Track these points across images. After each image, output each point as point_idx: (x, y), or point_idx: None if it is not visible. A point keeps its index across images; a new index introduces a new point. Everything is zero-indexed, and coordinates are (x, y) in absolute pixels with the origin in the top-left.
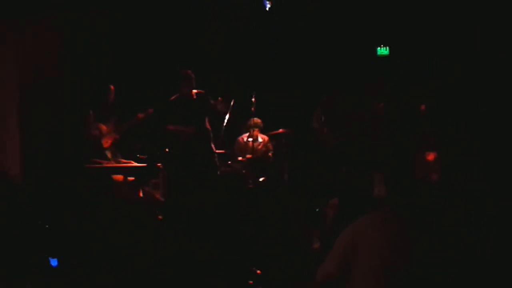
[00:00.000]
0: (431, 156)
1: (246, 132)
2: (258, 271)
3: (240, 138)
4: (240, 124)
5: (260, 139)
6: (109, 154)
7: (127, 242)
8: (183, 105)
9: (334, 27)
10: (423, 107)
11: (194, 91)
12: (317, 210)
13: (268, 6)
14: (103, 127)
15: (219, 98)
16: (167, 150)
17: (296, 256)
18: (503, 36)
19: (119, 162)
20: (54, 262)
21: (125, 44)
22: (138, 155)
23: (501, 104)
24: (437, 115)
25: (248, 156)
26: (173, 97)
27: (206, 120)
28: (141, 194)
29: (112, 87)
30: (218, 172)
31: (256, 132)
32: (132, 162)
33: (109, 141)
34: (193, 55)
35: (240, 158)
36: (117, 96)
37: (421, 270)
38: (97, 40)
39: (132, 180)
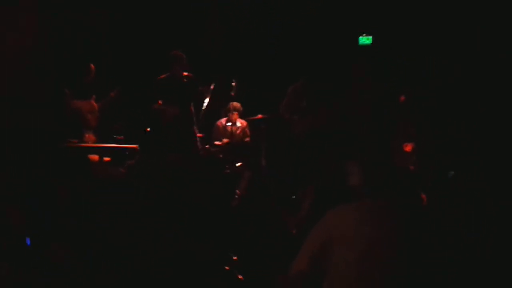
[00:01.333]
0: (409, 147)
1: (225, 117)
2: (235, 257)
3: (218, 122)
4: (219, 109)
5: (238, 124)
6: (92, 133)
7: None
8: (171, 85)
9: (318, 11)
10: (402, 97)
11: (185, 73)
12: (293, 197)
13: None
14: (94, 104)
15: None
16: (148, 129)
17: (272, 241)
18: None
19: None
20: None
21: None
22: (114, 136)
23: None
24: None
25: (225, 140)
26: (162, 76)
27: (192, 104)
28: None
29: (92, 66)
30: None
31: (235, 115)
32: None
33: (95, 120)
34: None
35: (217, 142)
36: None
37: (404, 264)
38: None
39: (108, 161)
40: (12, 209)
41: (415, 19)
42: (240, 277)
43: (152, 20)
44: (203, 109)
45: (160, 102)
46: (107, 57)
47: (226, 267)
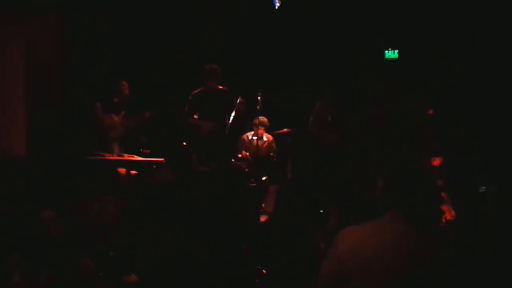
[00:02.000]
0: (436, 161)
1: (250, 131)
2: (264, 271)
3: (244, 136)
4: (245, 122)
5: (265, 138)
6: (116, 146)
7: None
8: (206, 100)
9: (340, 28)
10: (431, 111)
11: (219, 87)
12: (321, 211)
13: (278, 4)
14: (115, 118)
15: (240, 99)
16: (184, 143)
17: (300, 256)
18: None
19: (122, 156)
20: None
21: (127, 42)
22: (141, 150)
23: (500, 104)
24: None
25: (245, 153)
26: (196, 91)
27: (227, 117)
28: None
29: (125, 82)
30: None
31: (261, 130)
32: (135, 156)
33: (118, 133)
34: (194, 55)
35: (241, 155)
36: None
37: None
38: (97, 40)
39: (135, 174)
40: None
41: (441, 33)
42: None
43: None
44: (229, 122)
45: (196, 116)
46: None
47: (257, 280)
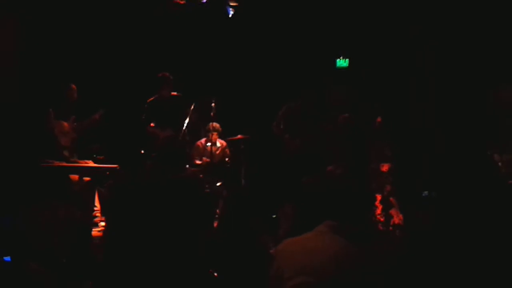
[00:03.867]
0: (385, 167)
1: (205, 137)
2: (215, 274)
3: (198, 142)
4: (199, 129)
5: (218, 144)
6: (66, 153)
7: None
8: (161, 107)
9: (295, 35)
10: (379, 119)
11: (172, 93)
12: (273, 216)
13: (231, 13)
14: (65, 125)
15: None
16: (142, 151)
17: (250, 260)
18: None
19: (76, 162)
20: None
21: (85, 43)
22: (95, 155)
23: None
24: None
25: (206, 159)
26: (150, 99)
27: (183, 123)
28: (97, 196)
29: (74, 86)
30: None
31: (214, 136)
32: (90, 162)
33: (69, 140)
34: (154, 58)
35: (198, 162)
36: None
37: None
38: (56, 39)
39: (88, 181)
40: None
41: (392, 42)
42: None
43: (136, 40)
44: (183, 129)
45: (152, 124)
46: (89, 77)
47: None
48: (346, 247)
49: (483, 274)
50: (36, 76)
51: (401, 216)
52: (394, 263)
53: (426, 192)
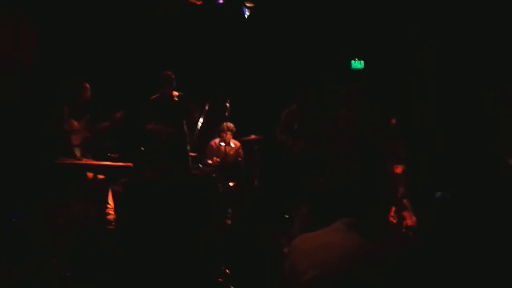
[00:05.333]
0: (399, 169)
1: (219, 137)
2: (227, 271)
3: (212, 142)
4: (213, 129)
5: (232, 145)
6: (78, 152)
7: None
8: (163, 106)
9: (309, 36)
10: (394, 120)
11: (175, 92)
12: (286, 216)
13: (247, 13)
14: (75, 124)
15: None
16: (142, 149)
17: (264, 259)
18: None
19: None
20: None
21: (100, 43)
22: (109, 154)
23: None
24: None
25: (216, 159)
26: (153, 97)
27: (184, 122)
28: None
29: (87, 85)
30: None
31: (229, 136)
32: (96, 161)
33: (80, 139)
34: (167, 57)
35: (209, 162)
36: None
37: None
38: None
39: (102, 179)
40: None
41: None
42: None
43: (145, 40)
44: (197, 129)
45: (153, 123)
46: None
47: (220, 279)
48: (361, 244)
49: (489, 274)
50: (49, 75)
51: (414, 218)
52: (407, 263)
53: (439, 193)
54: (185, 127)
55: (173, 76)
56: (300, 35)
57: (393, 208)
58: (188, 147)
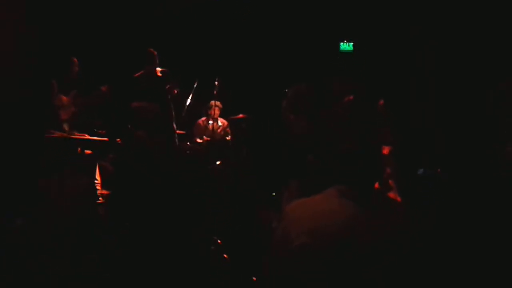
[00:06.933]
0: (386, 150)
1: (206, 116)
2: (219, 241)
3: (200, 121)
4: (201, 107)
5: (220, 123)
6: (66, 127)
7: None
8: (148, 82)
9: (306, 33)
10: (381, 102)
11: (158, 69)
12: (273, 194)
13: None
14: (64, 98)
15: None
16: (129, 126)
17: (254, 231)
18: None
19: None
20: None
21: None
22: (96, 130)
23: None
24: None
25: (206, 138)
26: (137, 74)
27: (169, 98)
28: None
29: (75, 59)
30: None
31: (216, 111)
32: (86, 135)
33: (68, 114)
34: (157, 36)
35: (198, 140)
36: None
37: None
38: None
39: (90, 153)
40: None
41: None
42: (225, 256)
43: (135, 22)
44: (185, 107)
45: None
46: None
47: (212, 247)
48: (354, 211)
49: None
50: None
51: (399, 199)
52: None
53: (421, 170)
54: (170, 103)
55: (156, 53)
56: (294, 29)
57: (377, 184)
58: (175, 125)
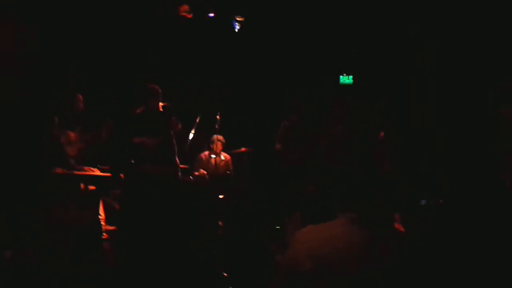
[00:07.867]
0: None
1: (208, 150)
2: (225, 274)
3: (202, 155)
4: (203, 141)
5: (222, 157)
6: (73, 162)
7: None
8: (150, 118)
9: (299, 51)
10: (382, 134)
11: (161, 103)
12: (277, 227)
13: (237, 27)
14: (72, 135)
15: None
16: (132, 161)
17: (260, 264)
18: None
19: (82, 170)
20: None
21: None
22: (99, 165)
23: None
24: None
25: (202, 171)
26: (139, 110)
27: (171, 133)
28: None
29: (80, 96)
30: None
31: (219, 146)
32: (96, 170)
33: (75, 150)
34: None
35: (196, 173)
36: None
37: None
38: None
39: (93, 189)
40: None
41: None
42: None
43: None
44: (188, 142)
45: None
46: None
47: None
48: (362, 237)
49: (488, 274)
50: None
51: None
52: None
53: (424, 201)
54: (173, 138)
55: (159, 90)
56: (295, 40)
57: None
58: (177, 159)
